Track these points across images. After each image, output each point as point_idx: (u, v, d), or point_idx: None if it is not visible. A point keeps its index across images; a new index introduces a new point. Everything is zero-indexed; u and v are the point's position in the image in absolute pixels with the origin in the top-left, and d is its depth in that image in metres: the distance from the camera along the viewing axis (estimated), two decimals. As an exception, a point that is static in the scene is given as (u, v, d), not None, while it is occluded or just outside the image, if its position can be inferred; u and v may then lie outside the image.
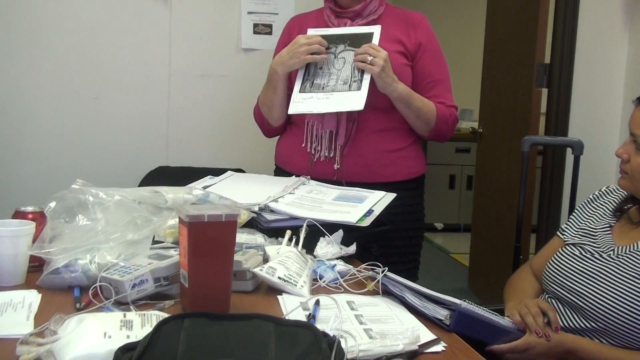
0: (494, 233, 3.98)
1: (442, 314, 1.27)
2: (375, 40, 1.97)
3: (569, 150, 3.39)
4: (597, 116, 3.53)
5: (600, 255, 1.48)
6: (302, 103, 1.99)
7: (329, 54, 2.01)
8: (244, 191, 1.87)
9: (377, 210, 1.76)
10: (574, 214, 1.67)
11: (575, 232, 1.60)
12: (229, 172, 2.13)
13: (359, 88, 1.94)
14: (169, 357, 0.88)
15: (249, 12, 3.08)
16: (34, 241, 1.41)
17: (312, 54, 1.98)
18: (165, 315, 1.09)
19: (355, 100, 1.93)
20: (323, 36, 2.02)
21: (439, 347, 1.15)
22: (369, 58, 1.91)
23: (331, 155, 2.04)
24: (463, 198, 6.22)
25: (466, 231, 5.55)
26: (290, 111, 2.01)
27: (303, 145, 2.07)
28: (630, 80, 3.47)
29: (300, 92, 2.02)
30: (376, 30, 2.00)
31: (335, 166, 2.03)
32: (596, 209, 1.61)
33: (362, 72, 1.95)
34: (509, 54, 3.79)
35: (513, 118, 3.68)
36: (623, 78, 3.50)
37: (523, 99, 3.54)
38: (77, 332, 0.99)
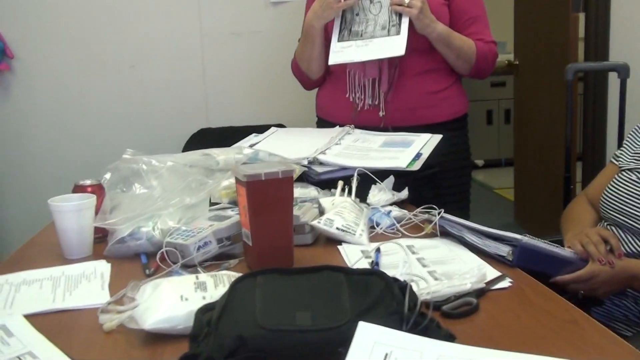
0: (538, 165, 3.95)
1: (504, 250, 1.28)
2: None
3: (610, 76, 3.32)
4: (638, 39, 3.42)
5: (659, 179, 1.46)
6: (342, 52, 1.97)
7: (364, 0, 1.98)
8: (290, 146, 1.88)
9: (426, 153, 1.76)
10: (627, 139, 1.64)
11: (631, 158, 1.58)
12: (273, 128, 2.14)
13: (398, 32, 1.91)
14: (248, 314, 0.90)
15: (277, -37, 3.04)
16: (96, 213, 1.45)
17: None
18: (234, 274, 1.12)
19: (395, 46, 1.90)
20: None
21: (505, 283, 1.16)
22: (407, 0, 1.87)
23: (375, 102, 2.02)
24: (502, 132, 6.15)
25: (507, 166, 5.51)
26: (331, 62, 1.99)
27: (346, 95, 2.06)
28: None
29: (338, 41, 1.99)
30: None
31: (380, 113, 2.01)
32: (650, 132, 1.58)
33: (400, 15, 1.92)
34: (542, -20, 3.68)
35: (550, 46, 3.60)
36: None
37: (560, 25, 3.45)
38: (155, 297, 1.02)
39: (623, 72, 2.37)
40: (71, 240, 1.41)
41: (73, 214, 1.40)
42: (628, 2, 3.37)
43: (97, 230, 1.45)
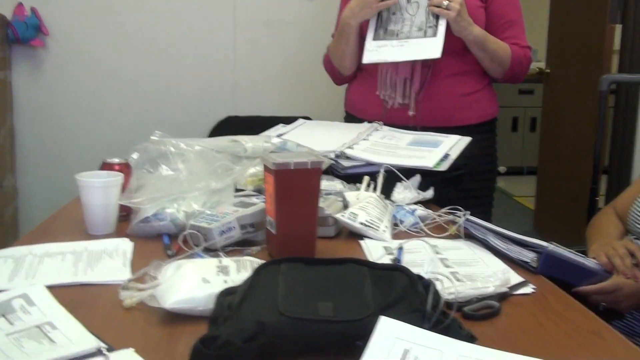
0: (562, 175, 3.91)
1: (528, 256, 1.27)
2: None
3: (643, 89, 3.28)
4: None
5: (690, 195, 1.43)
6: (377, 51, 1.96)
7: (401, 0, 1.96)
8: (318, 138, 1.88)
9: (454, 155, 1.75)
10: (659, 153, 1.62)
11: (662, 172, 1.56)
12: (300, 119, 2.13)
13: (434, 34, 1.90)
14: (269, 300, 0.90)
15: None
16: (121, 192, 1.45)
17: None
18: (257, 260, 1.12)
19: (431, 48, 1.88)
20: None
21: (528, 289, 1.15)
22: (445, 2, 1.86)
23: (405, 101, 2.01)
24: (526, 140, 6.10)
25: (529, 174, 5.46)
26: (365, 60, 1.98)
27: (377, 92, 2.04)
28: None
29: (374, 39, 1.98)
30: None
31: (410, 112, 2.00)
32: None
33: (437, 16, 1.90)
34: (579, -11, 3.64)
35: (584, 56, 3.56)
36: (703, 10, 3.33)
37: (595, 36, 3.41)
38: (177, 278, 1.03)
39: (658, 86, 2.33)
40: (96, 217, 1.42)
41: (100, 190, 1.41)
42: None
43: (122, 208, 1.46)
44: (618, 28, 3.38)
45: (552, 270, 1.25)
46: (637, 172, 1.77)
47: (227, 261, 1.10)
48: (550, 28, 4.09)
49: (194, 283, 1.01)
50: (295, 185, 1.22)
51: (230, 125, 3.00)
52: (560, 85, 3.96)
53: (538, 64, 4.94)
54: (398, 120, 1.99)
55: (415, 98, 2.00)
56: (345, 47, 2.06)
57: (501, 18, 2.02)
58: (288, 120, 2.14)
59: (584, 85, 3.48)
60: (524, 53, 2.04)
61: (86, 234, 1.42)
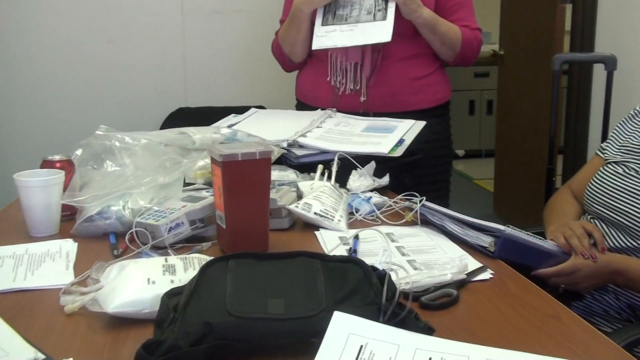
0: (519, 157, 3.93)
1: (485, 240, 1.24)
2: None
3: (595, 68, 3.30)
4: (625, 31, 3.40)
5: (645, 172, 1.43)
6: (326, 37, 1.91)
7: None
8: (270, 127, 1.83)
9: (408, 140, 1.72)
10: (613, 131, 1.61)
11: (617, 150, 1.55)
12: (253, 109, 2.08)
13: (384, 17, 1.86)
14: (217, 300, 0.86)
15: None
16: (64, 190, 1.39)
17: None
18: (206, 257, 1.07)
19: (381, 31, 1.85)
20: None
21: (486, 275, 1.13)
22: None
23: (357, 87, 1.97)
24: (483, 123, 6.13)
25: (488, 157, 5.50)
26: (315, 47, 1.93)
27: (327, 79, 2.00)
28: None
29: (322, 25, 1.93)
30: None
31: (362, 98, 1.96)
32: (638, 125, 1.55)
33: (386, 0, 1.86)
34: (529, -30, 3.65)
35: (536, 37, 3.57)
36: (650, -11, 3.36)
37: (546, 16, 3.42)
38: (121, 279, 0.98)
39: (610, 64, 2.34)
40: (37, 218, 1.35)
41: (40, 189, 1.34)
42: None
43: (65, 207, 1.40)
44: (569, 8, 3.39)
45: (510, 254, 1.23)
46: (592, 151, 1.78)
47: (173, 259, 1.05)
48: (502, 10, 4.10)
49: (138, 285, 0.96)
50: (244, 176, 1.18)
51: (182, 117, 2.93)
52: (514, 67, 3.97)
53: (492, 46, 4.95)
54: (350, 107, 1.96)
55: (366, 83, 1.96)
56: (297, 34, 2.01)
57: (450, 1, 1.99)
58: (241, 110, 2.09)
59: (538, 66, 3.50)
60: (474, 35, 2.02)
61: (28, 237, 1.36)
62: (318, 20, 1.94)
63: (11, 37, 2.90)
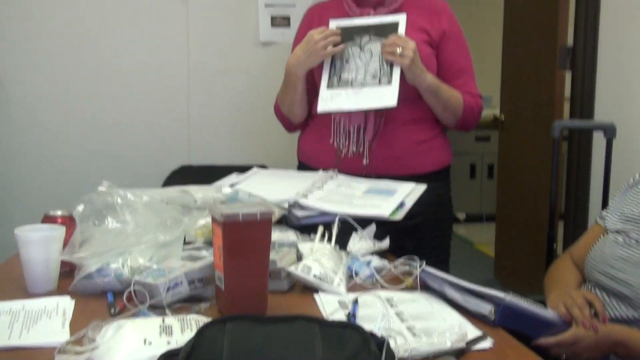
0: (520, 222, 3.93)
1: (485, 308, 1.23)
2: (402, 29, 1.92)
3: (595, 135, 3.33)
4: (624, 99, 3.44)
5: (646, 242, 1.43)
6: (331, 101, 1.93)
7: (354, 47, 1.96)
8: (272, 188, 1.84)
9: (409, 203, 1.73)
10: (613, 199, 1.62)
11: (617, 219, 1.55)
12: (255, 168, 2.10)
13: (389, 82, 1.88)
14: (213, 364, 0.85)
15: (267, 5, 3.05)
16: (64, 246, 1.39)
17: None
18: (203, 318, 1.06)
19: (387, 96, 1.87)
20: (346, 27, 1.97)
21: (487, 344, 1.12)
22: (398, 50, 1.85)
23: (360, 150, 1.99)
24: (484, 187, 6.14)
25: (489, 221, 5.49)
26: (320, 110, 1.94)
27: (330, 141, 2.02)
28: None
29: (328, 88, 1.95)
30: (401, 19, 1.94)
31: (364, 161, 1.98)
32: (637, 194, 1.56)
33: (391, 64, 1.89)
34: (529, 37, 3.72)
35: (536, 103, 3.62)
36: (649, 59, 3.43)
37: (546, 83, 3.47)
38: (117, 339, 0.97)
39: (610, 131, 2.37)
40: (35, 273, 1.35)
41: (39, 245, 1.34)
42: (614, 61, 3.41)
43: (64, 264, 1.39)
44: (568, 75, 3.44)
45: (510, 322, 1.21)
46: (594, 217, 1.78)
47: (171, 320, 1.04)
48: (502, 75, 4.17)
49: (134, 345, 0.95)
50: (244, 237, 1.18)
51: (185, 175, 2.94)
52: (515, 132, 4.01)
53: (493, 110, 5.01)
54: (352, 169, 1.97)
55: (369, 146, 1.98)
56: (293, 96, 2.04)
57: (452, 66, 2.03)
58: (243, 168, 2.10)
59: (538, 131, 3.53)
60: (475, 102, 2.05)
61: (26, 292, 1.35)
62: (323, 84, 1.96)
63: (16, 90, 2.94)
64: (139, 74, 3.02)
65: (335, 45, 1.94)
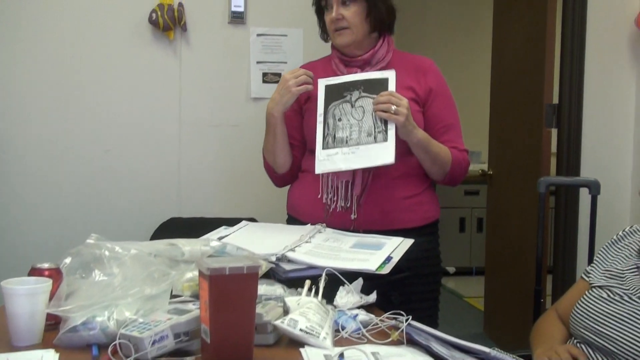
0: (509, 276, 3.93)
1: (471, 363, 1.24)
2: (392, 86, 1.95)
3: (581, 190, 3.37)
4: (609, 155, 3.51)
5: (630, 298, 1.44)
6: (328, 160, 1.94)
7: (345, 104, 1.99)
8: (260, 241, 1.85)
9: (396, 257, 1.73)
10: (597, 255, 1.64)
11: (602, 274, 1.57)
12: (244, 221, 2.11)
13: (385, 139, 1.90)
14: (196, 419, 0.84)
15: (258, 62, 3.11)
16: (50, 298, 1.38)
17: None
18: (188, 373, 1.06)
19: (384, 153, 1.89)
20: (336, 84, 2.01)
21: (471, 399, 1.11)
22: (393, 108, 1.88)
23: (347, 205, 2.01)
24: (474, 241, 6.17)
25: (478, 274, 5.49)
26: (318, 171, 1.96)
27: (319, 196, 2.04)
28: (640, 118, 3.47)
29: (323, 148, 1.97)
30: (391, 75, 1.97)
31: (352, 216, 2.00)
32: (621, 250, 1.58)
33: (384, 121, 1.92)
34: (516, 95, 3.80)
35: (524, 159, 3.67)
36: (633, 116, 3.50)
37: (533, 139, 3.53)
38: (100, 394, 0.96)
39: (594, 188, 2.40)
40: (20, 326, 1.34)
41: (25, 297, 1.34)
42: (599, 118, 3.49)
43: (50, 316, 1.38)
44: (554, 132, 3.50)
45: (495, 378, 1.22)
46: (581, 271, 1.79)
47: (155, 375, 1.03)
48: (490, 131, 4.23)
49: (117, 400, 0.95)
50: (230, 291, 1.18)
51: (174, 227, 2.95)
52: (503, 187, 4.05)
53: (481, 165, 5.07)
54: (340, 224, 1.98)
55: (357, 201, 2.00)
56: (274, 141, 2.09)
57: (439, 122, 2.07)
58: (233, 222, 2.11)
59: (525, 186, 3.57)
60: (462, 156, 2.08)
61: (10, 345, 1.34)
62: (318, 145, 1.98)
63: (5, 139, 2.95)
64: (130, 126, 3.05)
65: (308, 84, 1.99)
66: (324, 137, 1.98)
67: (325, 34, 2.16)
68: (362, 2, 2.03)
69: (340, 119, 1.98)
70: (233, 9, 3.08)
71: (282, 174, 2.17)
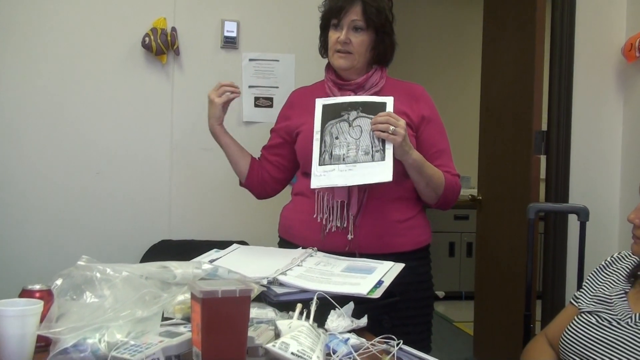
0: (498, 301, 3.94)
1: (461, 388, 1.24)
2: (390, 109, 1.98)
3: (570, 216, 3.40)
4: (597, 181, 3.55)
5: (618, 323, 1.45)
6: (325, 176, 1.95)
7: (342, 123, 2.00)
8: (251, 264, 1.85)
9: (387, 281, 1.74)
10: (586, 281, 1.65)
11: (590, 300, 1.58)
12: (235, 244, 2.11)
13: (382, 158, 1.92)
14: None
15: (250, 86, 3.13)
16: (41, 320, 1.38)
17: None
18: (180, 396, 1.06)
19: (382, 171, 1.91)
20: (334, 104, 2.03)
21: None
22: (391, 128, 1.90)
23: (344, 225, 2.02)
24: (463, 265, 6.18)
25: (468, 299, 5.49)
26: (314, 186, 1.96)
27: (314, 216, 2.05)
28: (627, 145, 3.51)
29: (320, 165, 1.98)
30: (389, 101, 2.00)
31: (349, 236, 2.01)
32: (609, 276, 1.59)
33: (382, 140, 1.94)
34: (505, 122, 3.84)
35: (513, 185, 3.70)
36: (620, 143, 3.55)
37: (522, 165, 3.56)
38: (91, 416, 0.96)
39: (583, 215, 2.42)
40: (10, 348, 1.33)
41: (16, 319, 1.33)
42: (587, 145, 3.53)
43: (40, 338, 1.37)
44: (543, 158, 3.54)
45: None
46: (571, 296, 1.80)
47: (146, 397, 1.03)
48: (480, 157, 4.26)
49: (109, 422, 0.94)
50: (222, 314, 1.19)
51: (164, 250, 2.94)
52: (492, 212, 4.07)
53: (471, 190, 5.10)
54: (336, 246, 1.99)
55: (353, 221, 2.01)
56: (227, 151, 2.25)
57: (432, 147, 2.09)
58: (224, 244, 2.11)
59: (514, 212, 3.60)
60: (454, 180, 2.11)
61: (-1, 368, 1.33)
62: (315, 161, 1.99)
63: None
64: (122, 148, 3.05)
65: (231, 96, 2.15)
66: (321, 154, 1.99)
67: (324, 50, 2.18)
68: (371, 33, 2.06)
69: (337, 137, 1.99)
70: (226, 34, 3.11)
71: (245, 183, 2.28)
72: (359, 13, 2.05)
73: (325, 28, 2.15)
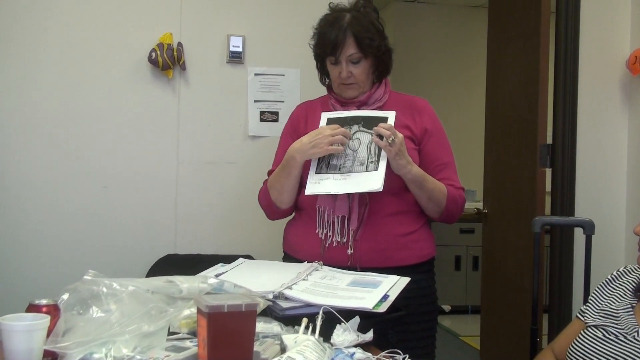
0: (505, 315, 3.92)
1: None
2: (391, 123, 2.00)
3: (576, 229, 3.39)
4: (603, 194, 3.55)
5: (625, 337, 1.45)
6: (319, 184, 2.00)
7: None
8: (257, 278, 1.85)
9: (393, 295, 1.74)
10: (592, 295, 1.65)
11: (596, 314, 1.58)
12: (240, 259, 2.11)
13: (376, 169, 1.95)
14: None
15: (256, 101, 3.15)
16: (48, 335, 1.38)
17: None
18: (186, 410, 1.06)
19: (373, 180, 1.93)
20: (338, 118, 2.05)
21: None
22: (391, 138, 1.91)
23: (344, 240, 2.03)
24: (469, 279, 6.16)
25: (474, 313, 5.47)
26: (307, 192, 2.00)
27: (316, 231, 2.06)
28: (633, 158, 3.51)
29: (316, 173, 2.02)
30: (391, 115, 2.02)
31: (349, 251, 2.01)
32: (615, 289, 1.59)
33: (379, 153, 1.96)
34: (511, 135, 3.83)
35: (518, 198, 3.69)
36: (625, 155, 3.55)
37: (527, 179, 3.56)
38: None
39: (588, 228, 2.42)
40: (17, 363, 1.33)
41: (23, 334, 1.33)
42: (593, 159, 3.52)
43: (47, 353, 1.38)
44: (548, 172, 3.54)
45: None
46: (577, 310, 1.79)
47: (152, 412, 1.03)
48: (485, 171, 4.26)
49: None
50: (228, 328, 1.19)
51: (170, 264, 2.95)
52: (498, 226, 4.06)
53: (476, 204, 5.09)
54: (337, 260, 1.99)
55: (353, 236, 2.02)
56: (286, 181, 2.09)
57: (435, 160, 2.10)
58: (229, 259, 2.12)
59: (520, 225, 3.59)
60: (458, 194, 2.11)
61: (5, 383, 1.33)
62: (312, 169, 2.03)
63: (6, 175, 2.96)
64: (128, 162, 3.06)
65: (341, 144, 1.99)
66: (319, 163, 2.03)
67: (324, 77, 2.20)
68: (370, 59, 2.08)
69: None
70: (232, 48, 3.13)
71: (283, 209, 2.19)
72: (354, 46, 2.04)
73: (321, 60, 2.16)
